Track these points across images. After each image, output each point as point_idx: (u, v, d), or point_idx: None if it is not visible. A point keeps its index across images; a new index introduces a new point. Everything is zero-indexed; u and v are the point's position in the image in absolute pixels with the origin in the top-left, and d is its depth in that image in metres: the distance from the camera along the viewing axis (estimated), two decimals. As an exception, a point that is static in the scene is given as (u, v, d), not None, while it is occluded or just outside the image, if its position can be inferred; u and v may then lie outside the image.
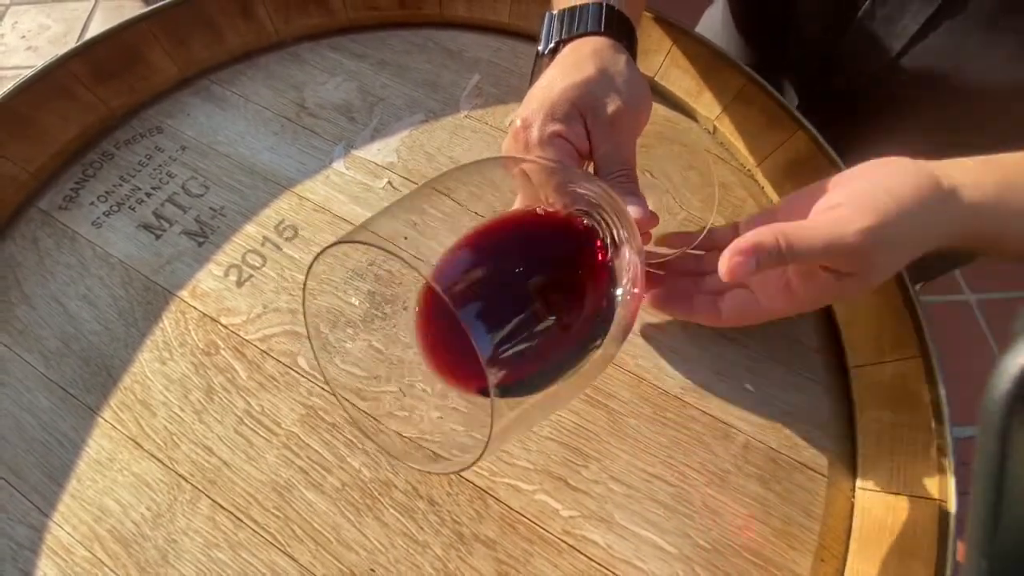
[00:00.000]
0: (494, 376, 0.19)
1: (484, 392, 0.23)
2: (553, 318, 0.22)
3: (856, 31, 0.36)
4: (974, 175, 0.25)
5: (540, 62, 0.31)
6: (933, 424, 0.28)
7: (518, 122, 0.28)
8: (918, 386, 0.29)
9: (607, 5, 0.30)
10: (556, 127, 0.27)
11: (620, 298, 0.23)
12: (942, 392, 0.28)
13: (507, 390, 0.21)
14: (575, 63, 0.28)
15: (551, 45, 0.30)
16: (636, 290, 0.23)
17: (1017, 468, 0.10)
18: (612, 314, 0.23)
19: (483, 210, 0.27)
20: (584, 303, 0.23)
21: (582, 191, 0.25)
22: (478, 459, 0.19)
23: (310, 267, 0.23)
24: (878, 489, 0.28)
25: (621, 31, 0.30)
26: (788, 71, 0.43)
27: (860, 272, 0.25)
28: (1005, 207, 0.24)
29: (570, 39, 0.29)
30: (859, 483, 0.29)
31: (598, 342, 0.23)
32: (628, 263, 0.24)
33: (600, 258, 0.24)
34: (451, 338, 0.25)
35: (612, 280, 0.23)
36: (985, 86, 0.33)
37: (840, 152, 0.39)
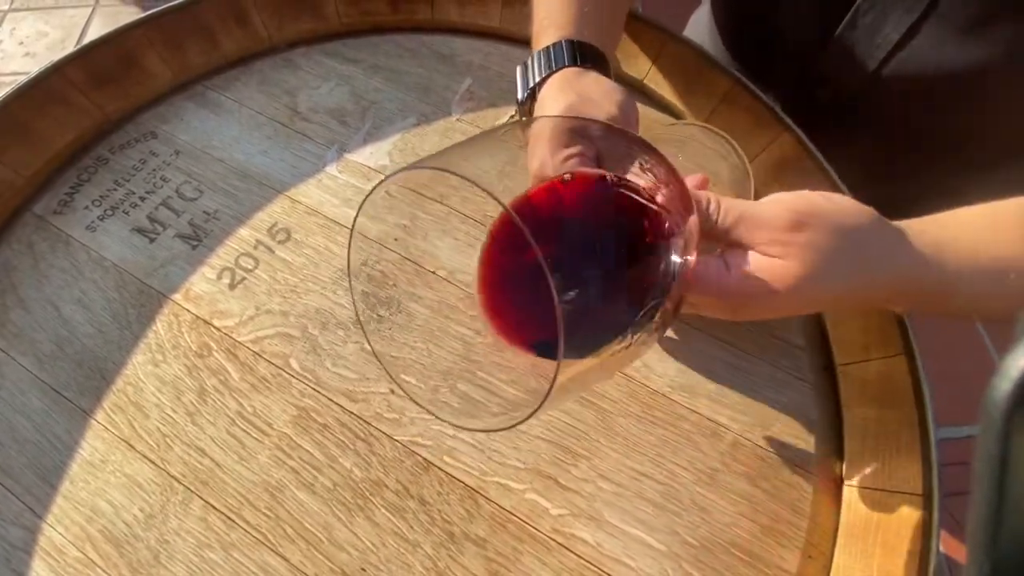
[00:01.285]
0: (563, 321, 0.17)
1: (544, 344, 0.22)
2: (620, 278, 0.21)
3: (838, 42, 0.36)
4: (917, 225, 0.25)
5: (522, 111, 0.32)
6: (917, 420, 0.28)
7: (533, 169, 0.26)
8: (903, 383, 0.29)
9: (567, 41, 0.30)
10: (568, 151, 0.26)
11: (678, 266, 0.23)
12: (925, 389, 0.28)
13: (568, 347, 0.20)
14: (553, 98, 0.29)
15: (528, 91, 0.31)
16: (690, 257, 0.23)
17: (1019, 469, 0.10)
18: (669, 282, 0.22)
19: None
20: (647, 267, 0.22)
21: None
22: (536, 410, 0.18)
23: (363, 204, 0.22)
24: (864, 485, 0.29)
25: (590, 60, 0.30)
26: (773, 84, 0.44)
27: (789, 255, 0.23)
28: (948, 261, 0.24)
29: (544, 80, 0.30)
30: (846, 480, 0.29)
31: (655, 309, 0.22)
32: (686, 229, 0.23)
33: (662, 225, 0.23)
34: (518, 290, 0.25)
35: (672, 248, 0.22)
36: (970, 94, 0.34)
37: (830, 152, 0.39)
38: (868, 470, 0.29)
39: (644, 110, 0.42)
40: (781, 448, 0.30)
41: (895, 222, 0.25)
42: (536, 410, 0.18)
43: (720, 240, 0.24)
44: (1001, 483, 0.10)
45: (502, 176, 0.26)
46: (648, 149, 0.23)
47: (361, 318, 0.26)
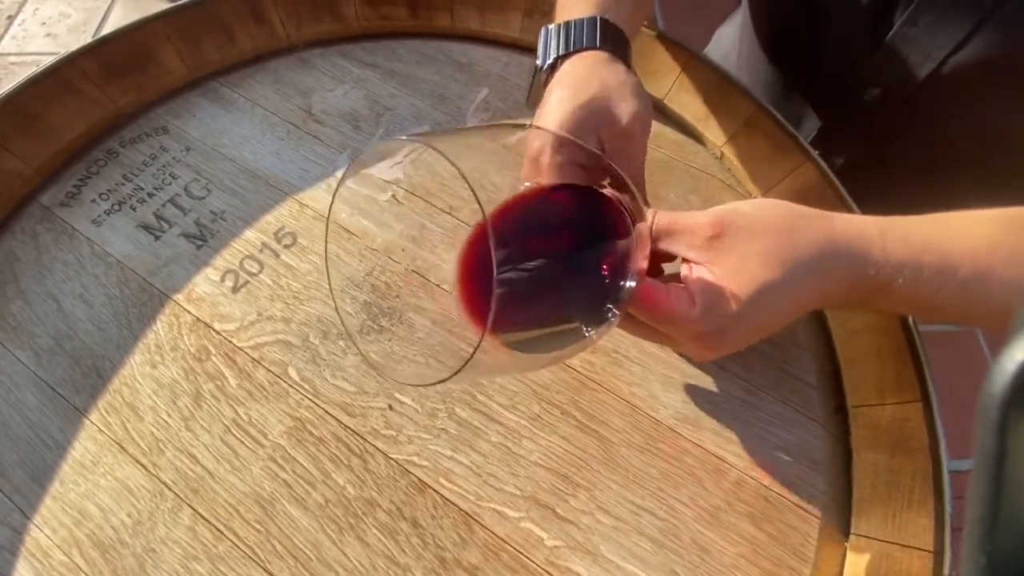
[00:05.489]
0: (498, 298, 0.19)
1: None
2: (567, 275, 0.22)
3: (893, 41, 0.34)
4: (873, 218, 0.25)
5: (539, 77, 0.31)
6: (931, 472, 0.27)
7: (532, 148, 0.27)
8: (918, 431, 0.28)
9: (602, 19, 0.30)
10: (561, 157, 0.27)
11: (627, 286, 0.24)
12: (942, 440, 0.27)
13: (508, 334, 0.21)
14: (577, 82, 0.28)
15: (550, 61, 0.30)
16: (638, 264, 0.24)
17: (1015, 464, 0.09)
18: (620, 288, 0.23)
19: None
20: (603, 276, 0.23)
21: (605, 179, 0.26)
22: (457, 372, 0.19)
23: (338, 187, 0.23)
24: (872, 536, 0.28)
25: (616, 44, 0.30)
26: (815, 86, 0.43)
27: (711, 261, 0.24)
28: (893, 250, 0.23)
29: (567, 55, 0.30)
30: (853, 528, 0.28)
31: (603, 314, 0.23)
32: (639, 244, 0.24)
33: (618, 236, 0.24)
34: (482, 272, 0.26)
35: (624, 256, 0.24)
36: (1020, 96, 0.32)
37: (865, 175, 0.37)
38: (877, 519, 0.28)
39: (664, 131, 0.41)
40: (787, 489, 0.29)
41: (851, 215, 0.25)
42: (460, 370, 0.19)
43: (652, 247, 0.25)
44: (997, 476, 0.10)
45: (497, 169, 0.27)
46: (612, 169, 0.25)
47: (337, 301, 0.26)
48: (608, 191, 0.25)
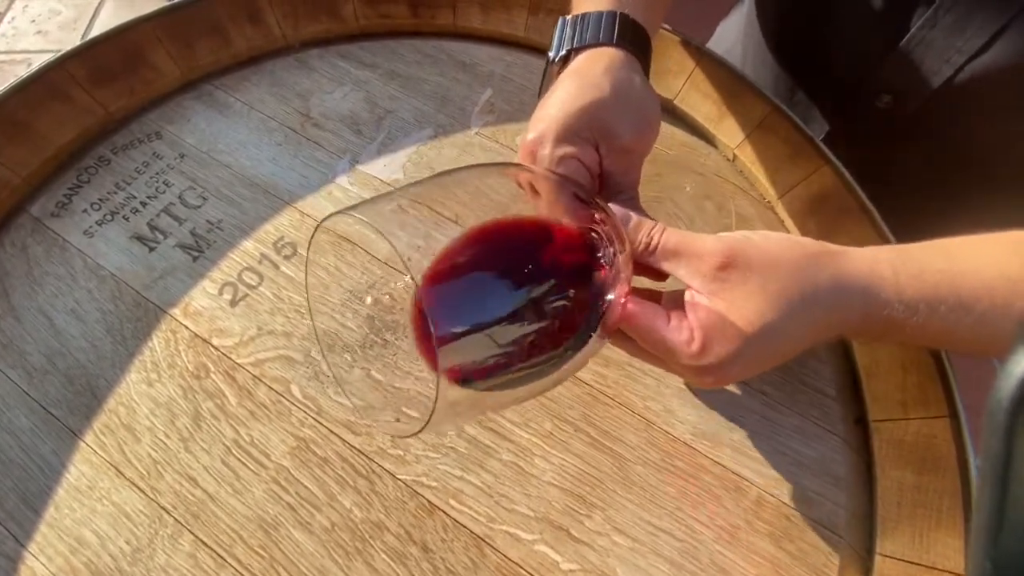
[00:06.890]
0: (444, 355, 0.20)
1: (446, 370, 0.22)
2: (524, 319, 0.22)
3: (909, 45, 0.33)
4: (883, 252, 0.24)
5: (551, 69, 0.30)
6: (960, 491, 0.26)
7: (529, 137, 0.27)
8: (946, 448, 0.27)
9: (621, 15, 0.28)
10: (568, 149, 0.26)
11: (602, 311, 0.23)
12: (972, 457, 0.26)
13: (466, 378, 0.21)
14: (590, 82, 0.27)
15: (562, 52, 0.29)
16: (619, 291, 0.23)
17: (1021, 469, 0.10)
18: (591, 324, 0.23)
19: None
20: (561, 311, 0.22)
21: (585, 209, 0.25)
22: (422, 428, 0.19)
23: (311, 243, 0.23)
24: (898, 556, 0.27)
25: (636, 43, 0.28)
26: (824, 89, 0.41)
27: (727, 281, 0.22)
28: (906, 287, 0.22)
29: (583, 48, 0.28)
30: (878, 548, 0.27)
31: (570, 347, 0.23)
32: (616, 278, 0.23)
33: (590, 271, 0.23)
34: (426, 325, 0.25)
35: (596, 292, 0.23)
36: None
37: (872, 181, 0.37)
38: (903, 539, 0.27)
39: (674, 132, 0.40)
40: (808, 507, 0.28)
41: (866, 247, 0.24)
42: (427, 423, 0.19)
43: (654, 266, 0.24)
44: (1004, 480, 0.10)
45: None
46: (592, 196, 0.24)
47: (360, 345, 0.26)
48: (589, 221, 0.24)
